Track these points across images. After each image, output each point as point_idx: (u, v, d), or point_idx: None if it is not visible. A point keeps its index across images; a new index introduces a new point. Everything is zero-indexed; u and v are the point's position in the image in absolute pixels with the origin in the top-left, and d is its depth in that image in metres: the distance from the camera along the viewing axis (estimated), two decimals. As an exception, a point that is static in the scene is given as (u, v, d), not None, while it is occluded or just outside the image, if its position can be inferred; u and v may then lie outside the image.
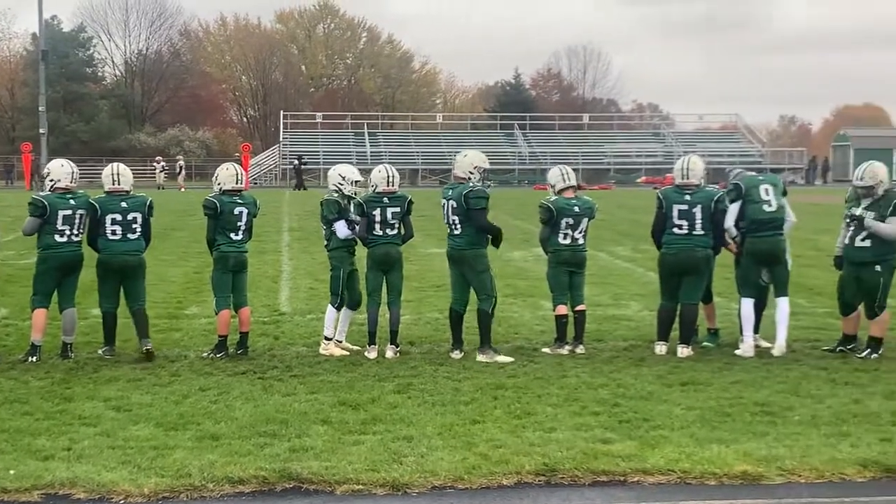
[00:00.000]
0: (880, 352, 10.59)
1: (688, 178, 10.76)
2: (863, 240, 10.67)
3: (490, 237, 10.71)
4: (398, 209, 10.82)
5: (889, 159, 70.60)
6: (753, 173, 11.39)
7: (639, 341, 11.43)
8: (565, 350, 10.84)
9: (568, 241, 11.00)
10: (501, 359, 10.36)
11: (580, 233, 11.07)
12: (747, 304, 10.89)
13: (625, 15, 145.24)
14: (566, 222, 10.95)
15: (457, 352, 10.64)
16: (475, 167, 10.77)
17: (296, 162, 56.15)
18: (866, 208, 10.64)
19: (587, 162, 67.34)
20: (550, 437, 7.61)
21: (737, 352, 10.79)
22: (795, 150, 77.00)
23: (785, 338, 10.73)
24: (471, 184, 10.64)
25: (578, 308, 11.06)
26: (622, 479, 6.83)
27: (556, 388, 9.21)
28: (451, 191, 10.73)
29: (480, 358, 10.38)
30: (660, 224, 10.83)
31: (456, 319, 10.78)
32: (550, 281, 11.21)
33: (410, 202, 10.96)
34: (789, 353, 10.69)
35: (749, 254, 10.86)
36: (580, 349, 10.86)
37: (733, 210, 10.81)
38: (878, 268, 10.62)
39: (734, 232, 10.87)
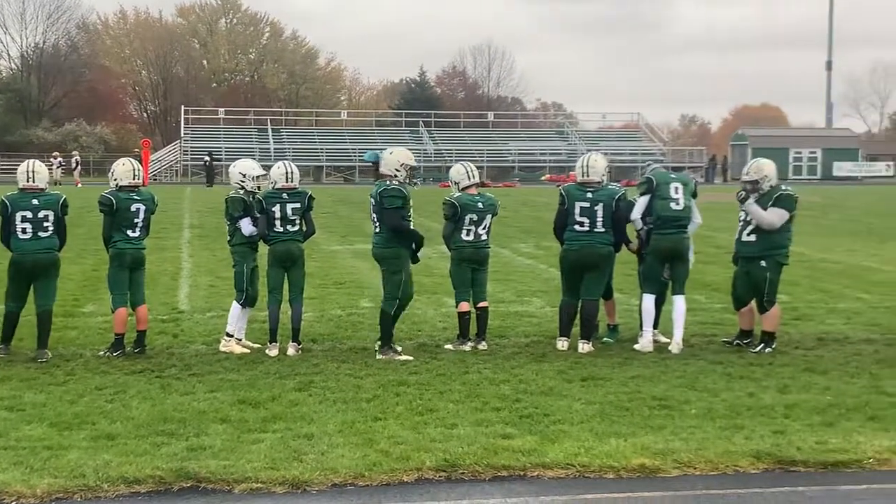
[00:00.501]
0: (773, 346, 10.83)
1: (588, 176, 10.87)
2: (749, 234, 10.96)
3: (413, 241, 10.61)
4: (298, 205, 10.74)
5: (785, 158, 72.61)
6: (666, 170, 11.56)
7: (540, 337, 11.52)
8: (468, 346, 10.87)
9: (471, 238, 11.03)
10: (400, 358, 10.34)
11: (483, 229, 11.11)
12: (648, 300, 11.05)
13: (529, 14, 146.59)
14: (470, 219, 10.98)
15: (379, 353, 10.60)
16: (402, 164, 10.69)
17: (206, 158, 55.37)
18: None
19: (492, 160, 67.68)
20: (452, 433, 7.63)
21: (636, 347, 10.94)
22: (695, 149, 78.39)
23: (681, 335, 10.91)
24: (388, 182, 10.57)
25: (481, 305, 11.10)
26: (522, 473, 6.87)
27: (459, 384, 9.23)
28: (374, 189, 10.68)
29: (379, 357, 10.36)
30: (562, 221, 10.94)
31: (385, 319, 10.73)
32: (453, 278, 11.23)
33: (311, 198, 10.89)
34: (686, 349, 10.87)
35: (653, 250, 11.01)
36: (483, 345, 10.91)
37: (641, 203, 10.97)
38: (763, 263, 10.88)
39: (640, 224, 11.02)
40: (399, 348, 10.62)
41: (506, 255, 19.94)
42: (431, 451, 7.15)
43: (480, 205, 11.09)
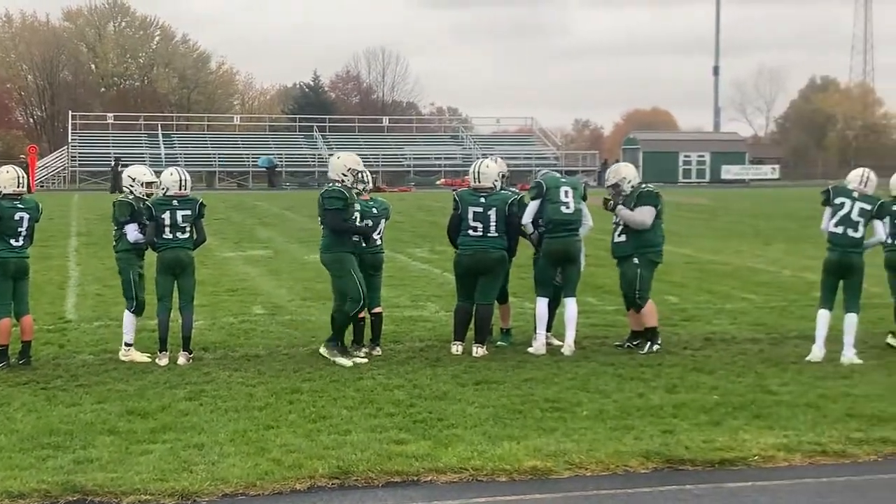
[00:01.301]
0: (659, 342, 10.99)
1: (480, 182, 10.94)
2: (620, 235, 11.20)
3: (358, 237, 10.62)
4: (189, 212, 10.59)
5: (675, 162, 74.10)
6: (557, 174, 11.68)
7: (435, 342, 11.54)
8: (362, 352, 10.84)
9: (368, 244, 11.00)
10: (341, 361, 10.29)
11: (378, 234, 11.10)
12: (542, 303, 11.15)
13: (423, 19, 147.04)
14: (367, 224, 10.94)
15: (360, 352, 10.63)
16: (349, 169, 10.61)
17: (112, 163, 54.16)
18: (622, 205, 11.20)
19: (387, 164, 67.60)
20: (345, 439, 7.59)
21: (529, 350, 11.03)
22: (589, 153, 79.45)
23: (573, 337, 11.04)
24: (331, 185, 10.51)
25: (375, 310, 11.08)
26: (415, 478, 6.87)
27: (353, 390, 9.19)
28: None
29: (322, 350, 10.44)
30: (455, 225, 10.98)
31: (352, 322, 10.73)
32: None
33: (202, 206, 10.76)
34: (579, 351, 10.99)
35: (545, 254, 11.12)
36: (377, 351, 10.88)
37: (532, 207, 11.06)
38: (635, 261, 11.09)
39: (531, 229, 11.11)
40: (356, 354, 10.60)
41: (401, 259, 19.93)
42: (324, 458, 7.10)
43: (374, 210, 11.07)
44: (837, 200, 10.71)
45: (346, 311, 10.51)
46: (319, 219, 10.64)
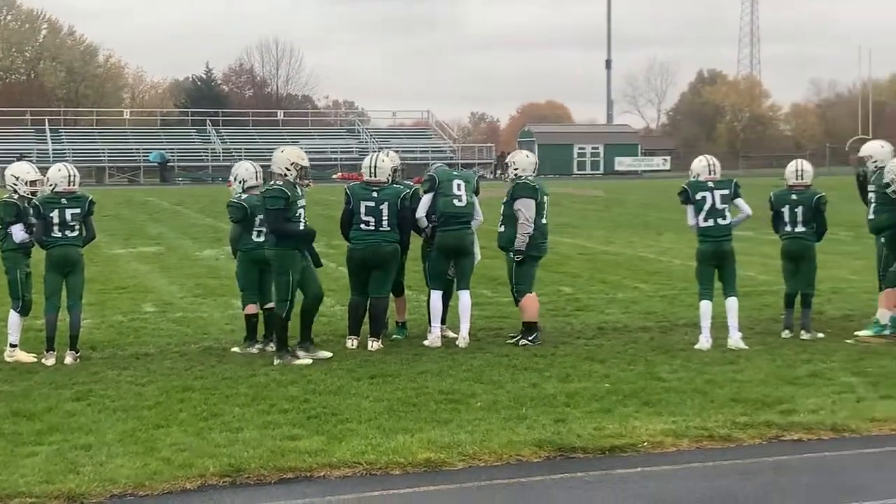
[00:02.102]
0: (532, 336, 11.03)
1: (375, 176, 10.91)
2: (500, 226, 11.27)
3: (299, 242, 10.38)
4: (78, 210, 10.37)
5: (570, 154, 74.95)
6: (449, 168, 11.71)
7: (330, 336, 11.48)
8: (255, 349, 10.74)
9: (261, 239, 10.88)
10: (300, 362, 10.12)
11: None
12: (436, 296, 11.18)
13: (317, 12, 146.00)
14: (259, 220, 10.82)
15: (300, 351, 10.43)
16: (292, 164, 10.38)
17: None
18: None
19: (282, 159, 67.00)
20: (237, 437, 7.51)
21: (425, 343, 11.05)
22: (485, 146, 79.85)
23: (468, 329, 11.09)
24: (273, 182, 10.35)
25: (268, 306, 10.98)
26: (309, 474, 6.82)
27: (245, 387, 9.10)
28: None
29: (276, 362, 10.10)
30: (347, 220, 10.93)
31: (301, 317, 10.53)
32: (241, 280, 11.06)
33: (92, 203, 10.54)
34: (473, 343, 11.05)
35: (438, 247, 11.14)
36: (271, 347, 10.78)
37: (425, 201, 11.06)
38: (510, 254, 11.20)
39: (425, 223, 11.11)
40: (301, 353, 10.36)
41: (296, 254, 19.76)
42: (216, 456, 7.01)
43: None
44: (698, 196, 10.96)
45: (277, 312, 10.34)
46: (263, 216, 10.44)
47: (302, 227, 10.34)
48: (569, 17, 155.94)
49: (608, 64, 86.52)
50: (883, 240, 11.41)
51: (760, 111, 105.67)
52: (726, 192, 10.98)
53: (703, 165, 11.20)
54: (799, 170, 11.59)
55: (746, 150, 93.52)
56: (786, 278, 11.67)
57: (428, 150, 70.08)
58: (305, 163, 10.48)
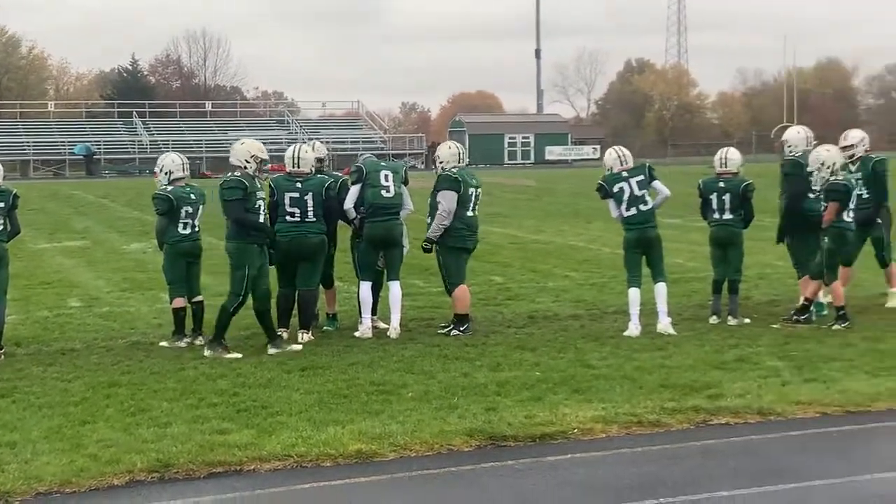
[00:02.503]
0: (463, 327, 11.05)
1: (299, 167, 10.84)
2: (427, 217, 11.31)
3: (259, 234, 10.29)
4: (2, 204, 10.20)
5: (501, 143, 75.13)
6: (376, 158, 11.66)
7: (260, 329, 11.34)
8: (184, 343, 10.62)
9: (188, 231, 10.77)
10: (231, 356, 10.01)
11: (199, 221, 10.89)
12: (365, 287, 11.14)
13: (244, 2, 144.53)
14: (186, 211, 10.71)
15: (271, 347, 10.29)
16: (252, 156, 10.32)
17: None
18: None
19: (211, 150, 66.35)
20: (165, 432, 7.43)
21: (356, 334, 11.01)
22: (416, 136, 79.75)
23: (399, 319, 11.07)
24: (231, 173, 10.28)
25: (196, 299, 10.87)
26: (238, 468, 6.77)
27: (174, 381, 9.00)
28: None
29: (207, 353, 10.05)
30: (273, 212, 10.84)
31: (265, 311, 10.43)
32: (168, 273, 10.93)
33: (16, 196, 10.37)
34: (405, 333, 11.04)
35: (367, 238, 11.09)
36: (199, 340, 10.68)
37: (353, 192, 11.01)
38: (436, 247, 11.25)
39: (353, 214, 11.06)
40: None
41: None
42: (143, 452, 6.93)
43: (193, 196, 10.85)
44: (615, 188, 11.08)
45: (226, 306, 10.22)
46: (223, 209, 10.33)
47: (261, 220, 10.33)
48: (499, 6, 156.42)
49: (538, 53, 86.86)
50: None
51: (688, 100, 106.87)
52: (641, 177, 11.11)
53: (614, 158, 11.32)
54: (723, 157, 11.74)
55: (675, 138, 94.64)
56: (714, 265, 11.81)
57: (359, 141, 69.86)
58: (265, 155, 10.50)
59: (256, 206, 10.25)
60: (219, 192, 10.25)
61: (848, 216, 11.07)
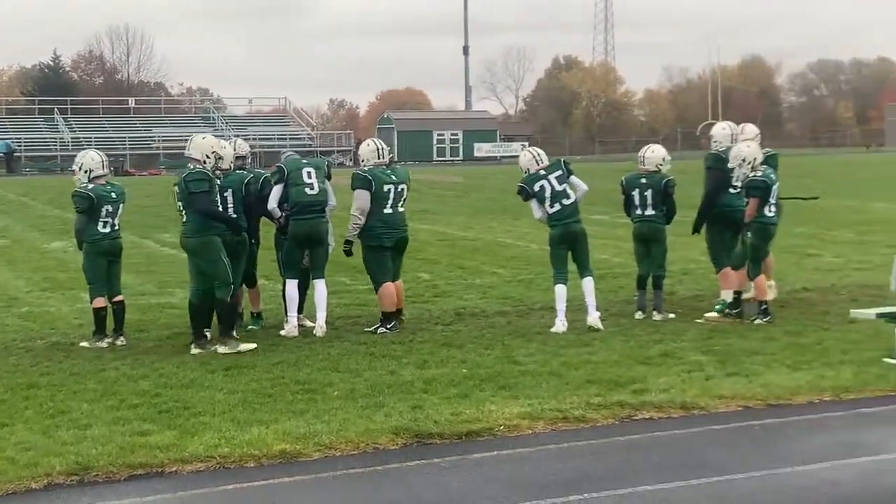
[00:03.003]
0: (390, 325, 11.03)
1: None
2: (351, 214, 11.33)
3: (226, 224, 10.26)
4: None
5: (430, 140, 75.12)
6: (297, 156, 11.57)
7: (184, 329, 11.21)
8: (105, 343, 10.45)
9: (108, 230, 10.60)
10: (244, 346, 9.99)
11: (118, 220, 10.72)
12: (291, 285, 11.05)
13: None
14: (106, 210, 10.54)
15: (195, 347, 10.10)
16: (213, 152, 10.30)
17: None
18: None
19: (135, 147, 65.56)
20: (85, 434, 7.29)
21: (281, 332, 10.92)
22: (344, 133, 79.48)
23: (324, 317, 10.99)
24: (192, 167, 10.15)
25: (116, 299, 10.69)
26: (160, 470, 6.66)
27: (94, 382, 8.85)
28: (178, 177, 10.25)
29: (221, 350, 9.94)
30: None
31: (195, 311, 10.26)
32: (88, 272, 10.75)
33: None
34: (332, 331, 10.97)
35: (292, 236, 10.99)
36: (120, 341, 10.51)
37: (276, 192, 10.92)
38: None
39: (278, 213, 10.96)
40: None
41: (149, 245, 19.37)
42: (62, 454, 6.79)
43: (114, 195, 10.68)
44: (536, 187, 11.15)
45: (222, 297, 10.14)
46: (180, 203, 10.19)
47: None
48: (427, 3, 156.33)
49: (465, 50, 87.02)
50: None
51: (615, 97, 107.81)
52: (559, 172, 11.21)
53: (529, 159, 11.40)
54: (642, 156, 11.86)
55: (602, 135, 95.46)
56: (637, 260, 11.91)
57: (286, 138, 69.37)
58: (223, 153, 10.51)
59: (216, 200, 10.29)
60: (182, 184, 10.12)
61: (770, 211, 11.22)
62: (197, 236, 10.15)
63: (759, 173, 11.20)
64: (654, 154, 11.86)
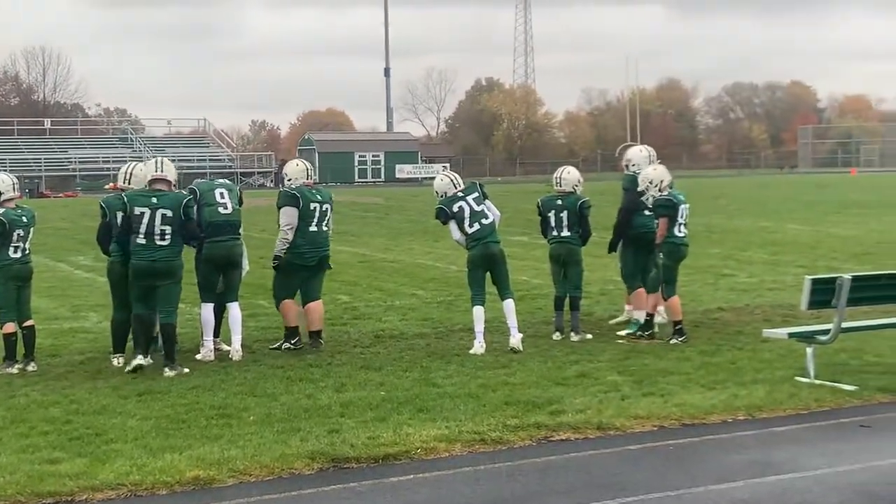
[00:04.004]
0: (294, 340, 11.14)
1: (129, 184, 10.62)
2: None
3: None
4: None
5: (351, 161, 75.01)
6: (207, 180, 11.51)
7: (96, 353, 11.06)
8: (15, 369, 10.22)
9: (19, 255, 10.38)
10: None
11: (28, 244, 10.51)
12: (207, 309, 10.91)
13: (87, 18, 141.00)
14: (18, 234, 10.33)
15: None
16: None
17: None
18: None
19: (51, 169, 64.49)
20: (-8, 462, 7.10)
21: (197, 357, 10.78)
22: (265, 154, 79.01)
23: (240, 340, 10.88)
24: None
25: (27, 323, 10.46)
26: (69, 499, 6.52)
27: (3, 409, 8.66)
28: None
29: (169, 374, 9.83)
30: (106, 233, 10.57)
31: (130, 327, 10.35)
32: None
33: None
34: (249, 355, 10.85)
35: (206, 259, 10.86)
36: (31, 366, 10.29)
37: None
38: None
39: (199, 233, 10.82)
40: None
41: (63, 269, 19.01)
42: (-32, 485, 6.61)
43: (25, 219, 10.47)
44: (455, 208, 11.22)
45: (170, 322, 10.34)
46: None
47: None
48: (348, 25, 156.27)
49: (387, 72, 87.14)
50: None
51: (536, 119, 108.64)
52: (476, 194, 11.33)
53: (446, 183, 11.48)
54: (558, 177, 12.01)
55: (523, 156, 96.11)
56: (554, 281, 11.99)
57: (206, 159, 68.81)
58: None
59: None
60: (181, 207, 10.23)
61: (680, 231, 11.40)
62: (177, 259, 10.33)
63: (666, 193, 11.38)
64: (571, 175, 11.98)
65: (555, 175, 12.15)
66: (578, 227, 11.76)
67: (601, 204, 12.12)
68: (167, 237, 10.18)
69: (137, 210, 10.15)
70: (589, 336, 11.58)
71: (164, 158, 10.90)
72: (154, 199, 10.24)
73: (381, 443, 7.51)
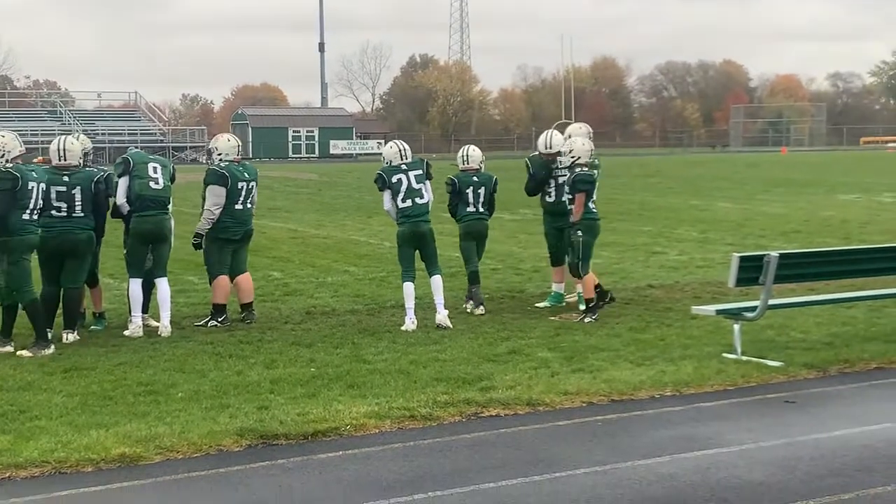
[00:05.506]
0: (219, 320, 11.11)
1: (64, 159, 10.43)
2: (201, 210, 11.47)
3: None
4: None
5: (285, 137, 74.56)
6: (144, 152, 11.37)
7: (22, 330, 10.81)
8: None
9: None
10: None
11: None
12: (135, 284, 10.80)
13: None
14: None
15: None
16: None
17: None
18: None
19: (-23, 141, 63.11)
20: (-88, 441, 6.95)
21: (125, 333, 10.66)
22: (197, 129, 78.10)
23: (168, 317, 10.78)
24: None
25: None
26: (-9, 477, 6.40)
27: (-76, 386, 8.46)
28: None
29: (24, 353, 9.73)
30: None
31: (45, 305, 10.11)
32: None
33: None
34: (177, 331, 10.75)
35: (135, 233, 10.75)
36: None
37: (122, 185, 10.74)
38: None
39: (127, 208, 10.73)
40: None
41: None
42: None
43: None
44: (394, 179, 11.25)
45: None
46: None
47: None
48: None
49: (321, 47, 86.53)
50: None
51: (471, 96, 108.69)
52: (419, 172, 11.32)
53: (394, 152, 11.46)
54: (465, 155, 12.23)
55: (458, 133, 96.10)
56: (468, 257, 12.11)
57: (136, 133, 67.82)
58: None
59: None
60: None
61: (594, 206, 11.50)
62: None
63: (586, 170, 11.41)
64: (476, 153, 12.36)
65: (460, 154, 12.40)
66: (487, 203, 12.03)
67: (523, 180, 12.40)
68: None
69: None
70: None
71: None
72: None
73: (311, 419, 7.47)
